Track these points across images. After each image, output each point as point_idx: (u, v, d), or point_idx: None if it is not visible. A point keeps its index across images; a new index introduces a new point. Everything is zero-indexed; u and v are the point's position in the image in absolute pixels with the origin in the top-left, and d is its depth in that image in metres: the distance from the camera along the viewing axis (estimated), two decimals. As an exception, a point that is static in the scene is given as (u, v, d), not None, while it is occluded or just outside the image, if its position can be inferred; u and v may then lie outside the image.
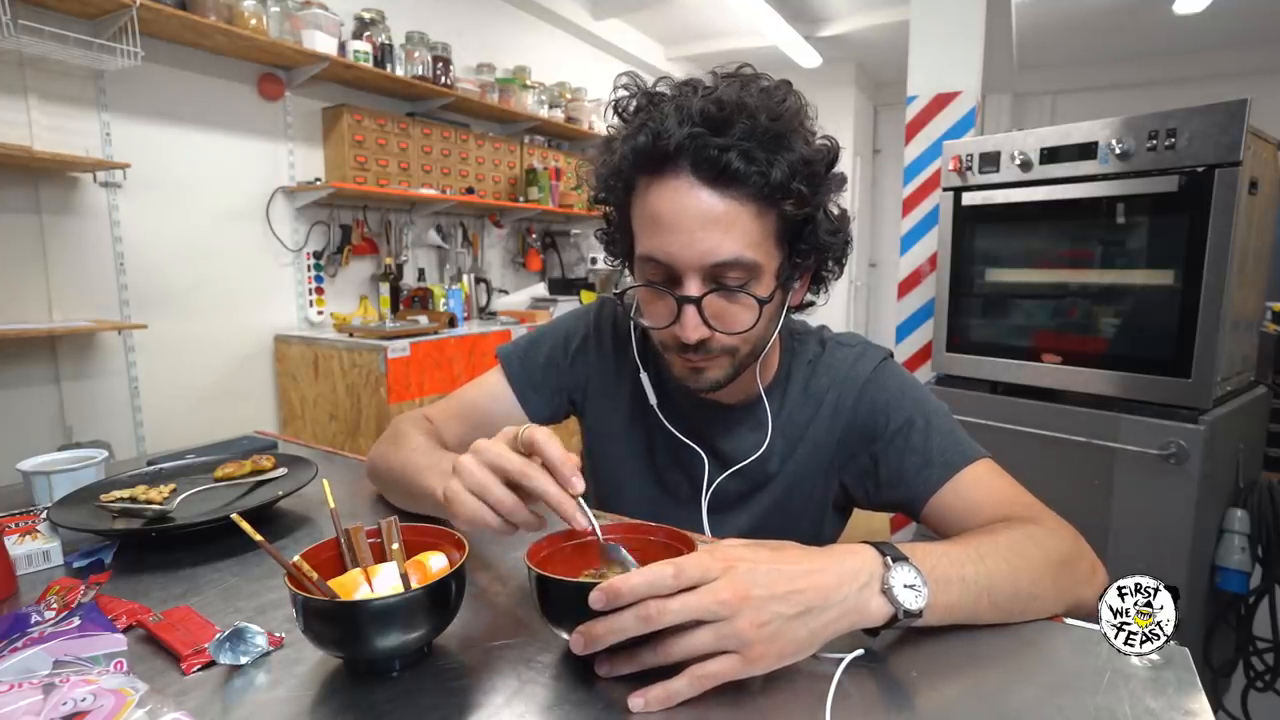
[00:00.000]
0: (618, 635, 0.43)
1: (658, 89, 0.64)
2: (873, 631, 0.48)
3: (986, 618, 0.52)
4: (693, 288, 0.61)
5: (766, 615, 0.43)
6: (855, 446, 0.73)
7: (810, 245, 0.65)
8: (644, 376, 0.76)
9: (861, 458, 0.73)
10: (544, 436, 0.50)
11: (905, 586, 0.47)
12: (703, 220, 0.59)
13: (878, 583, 0.47)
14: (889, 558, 0.48)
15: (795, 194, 0.60)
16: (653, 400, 0.76)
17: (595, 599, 0.43)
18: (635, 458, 0.80)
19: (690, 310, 0.61)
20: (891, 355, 0.77)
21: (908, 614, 0.47)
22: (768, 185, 0.58)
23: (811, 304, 0.74)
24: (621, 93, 0.65)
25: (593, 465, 0.87)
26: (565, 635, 0.48)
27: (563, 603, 0.47)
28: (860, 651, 0.49)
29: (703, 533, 0.75)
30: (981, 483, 0.66)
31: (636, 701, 0.43)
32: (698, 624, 0.43)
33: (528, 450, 0.51)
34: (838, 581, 0.46)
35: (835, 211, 0.66)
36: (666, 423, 0.76)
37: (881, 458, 0.71)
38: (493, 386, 0.83)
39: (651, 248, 0.62)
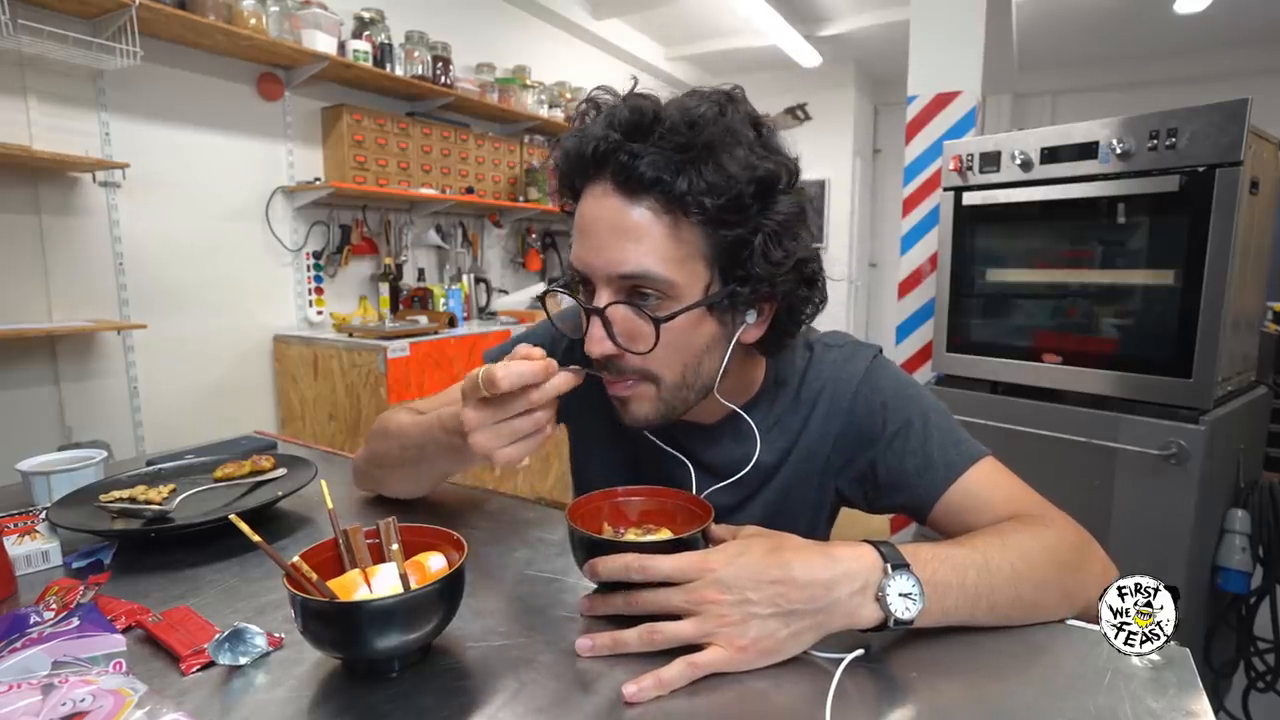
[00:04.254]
0: (608, 610, 0.52)
1: (607, 97, 0.62)
2: (864, 630, 0.49)
3: (984, 622, 0.52)
4: (601, 299, 0.58)
5: (738, 615, 0.47)
6: (852, 450, 0.71)
7: (746, 273, 0.58)
8: None
9: (859, 462, 0.71)
10: (502, 371, 0.52)
11: (900, 595, 0.48)
12: (612, 228, 0.57)
13: (873, 589, 0.48)
14: (889, 564, 0.48)
15: (710, 210, 0.55)
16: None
17: (586, 573, 0.53)
18: (622, 469, 0.78)
19: (594, 322, 0.59)
20: (881, 351, 0.74)
21: (899, 622, 0.48)
22: (674, 195, 0.55)
23: (785, 339, 0.67)
24: (584, 105, 0.63)
25: (578, 478, 0.85)
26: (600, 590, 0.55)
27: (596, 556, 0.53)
28: (860, 651, 0.49)
29: None
30: (987, 482, 0.65)
31: (630, 689, 0.45)
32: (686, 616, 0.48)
33: (493, 389, 0.52)
34: (830, 583, 0.48)
35: (789, 243, 0.59)
36: (648, 433, 0.73)
37: (880, 461, 0.69)
38: None
39: (572, 255, 0.61)
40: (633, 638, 0.48)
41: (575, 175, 0.61)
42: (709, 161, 0.55)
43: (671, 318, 0.58)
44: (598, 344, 0.59)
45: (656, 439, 0.74)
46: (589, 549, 0.53)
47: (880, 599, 0.48)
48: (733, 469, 0.71)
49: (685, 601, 0.48)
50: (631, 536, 0.57)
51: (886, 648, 0.51)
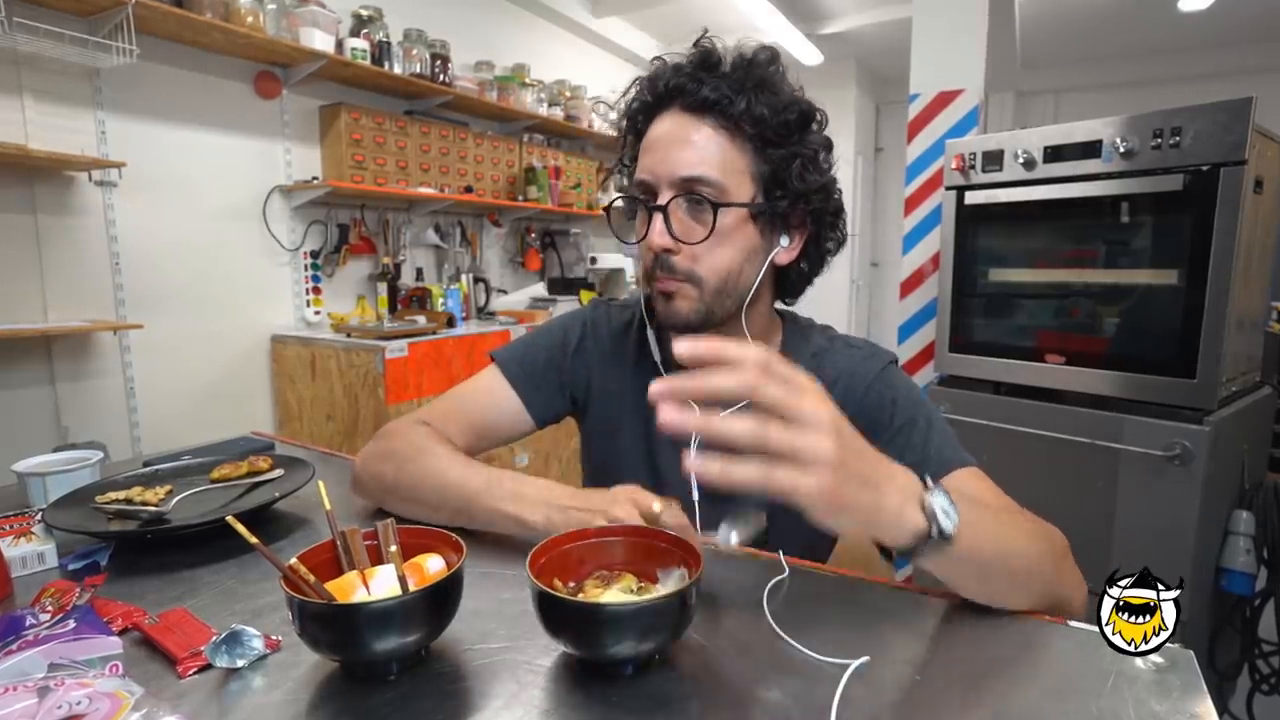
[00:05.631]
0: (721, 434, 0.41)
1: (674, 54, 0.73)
2: (889, 554, 0.53)
3: (995, 576, 0.53)
4: (663, 199, 0.68)
5: (850, 453, 0.43)
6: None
7: (787, 191, 0.69)
8: (650, 333, 0.81)
9: None
10: (674, 522, 0.59)
11: (942, 510, 0.48)
12: (679, 140, 0.68)
13: (917, 499, 0.48)
14: (928, 479, 0.50)
15: (762, 125, 0.67)
16: (657, 357, 0.80)
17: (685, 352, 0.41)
18: (635, 448, 0.81)
19: (658, 218, 0.68)
20: (896, 360, 0.79)
21: (941, 534, 0.47)
22: (734, 112, 0.66)
23: (809, 278, 0.77)
24: (654, 60, 0.73)
25: (593, 462, 0.87)
26: (565, 648, 0.49)
27: (562, 619, 0.47)
28: (865, 659, 0.48)
29: (694, 507, 0.74)
30: (971, 484, 0.67)
31: (696, 463, 0.40)
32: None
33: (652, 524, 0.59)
34: (892, 481, 0.47)
35: (821, 169, 0.71)
36: (674, 367, 0.77)
37: (884, 449, 0.71)
38: (493, 390, 0.82)
39: (639, 169, 0.71)
40: (742, 432, 0.40)
41: (644, 113, 0.72)
42: (763, 90, 0.67)
43: (727, 205, 0.68)
44: (660, 236, 0.68)
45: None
46: (559, 610, 0.47)
47: (925, 508, 0.47)
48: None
49: (799, 439, 0.41)
50: (591, 587, 0.52)
51: (890, 652, 0.50)
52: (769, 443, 0.40)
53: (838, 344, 0.79)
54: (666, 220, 0.68)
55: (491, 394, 0.82)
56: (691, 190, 0.68)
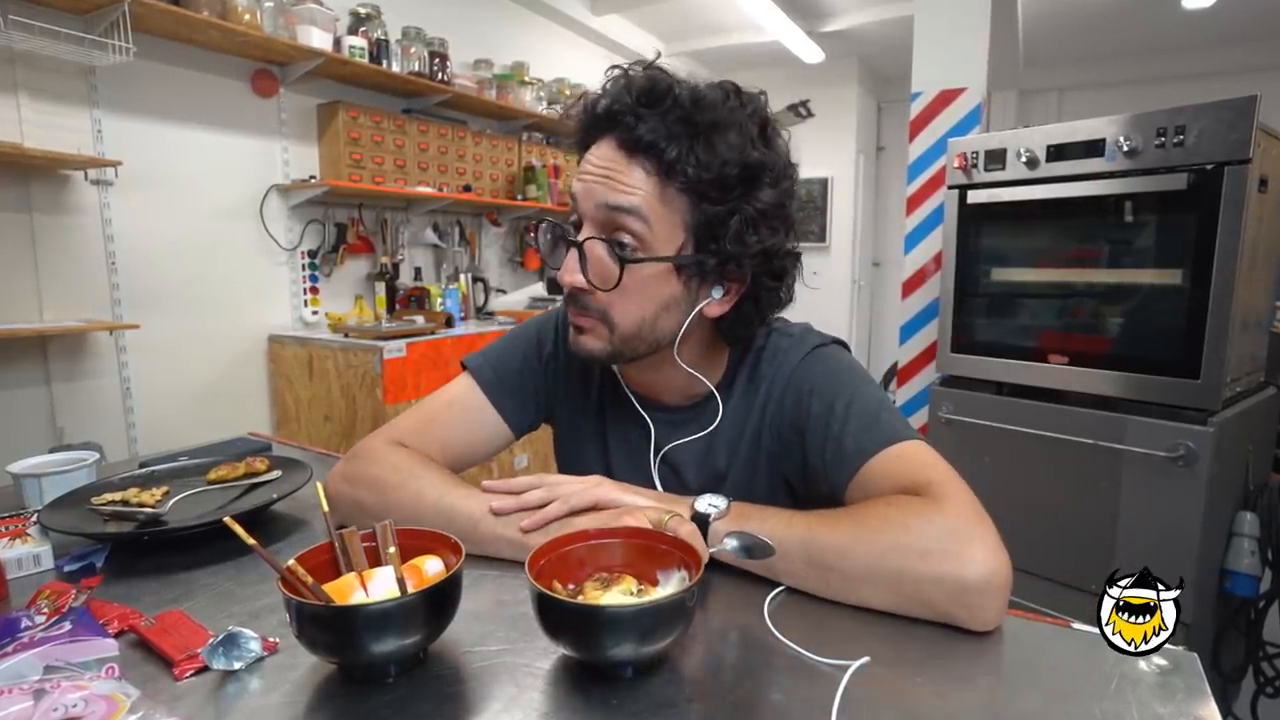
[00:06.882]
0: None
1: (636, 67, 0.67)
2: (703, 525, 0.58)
3: (796, 564, 0.57)
4: (584, 234, 0.65)
5: (608, 482, 0.66)
6: (790, 438, 0.71)
7: (718, 248, 0.63)
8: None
9: (794, 451, 0.70)
10: (687, 532, 0.58)
11: (707, 504, 0.60)
12: (608, 171, 0.63)
13: (687, 504, 0.61)
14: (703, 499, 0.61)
15: (694, 181, 0.61)
16: (596, 370, 0.78)
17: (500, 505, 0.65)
18: (598, 458, 0.80)
19: (571, 253, 0.65)
20: (835, 343, 0.74)
21: (698, 515, 0.59)
22: (664, 161, 0.61)
23: (750, 327, 0.70)
24: (613, 68, 0.68)
25: (561, 466, 0.86)
26: (565, 650, 0.49)
27: (562, 621, 0.47)
28: (866, 659, 0.48)
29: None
30: (892, 467, 0.62)
31: (496, 504, 0.64)
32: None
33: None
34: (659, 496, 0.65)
35: (764, 231, 0.64)
36: (624, 387, 0.76)
37: (809, 448, 0.68)
38: (469, 401, 0.79)
39: (574, 182, 0.67)
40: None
41: (588, 129, 0.67)
42: (703, 139, 0.61)
43: (638, 261, 0.63)
44: (570, 273, 0.65)
45: (626, 413, 0.77)
46: (563, 613, 0.47)
47: (692, 506, 0.60)
48: (694, 458, 0.74)
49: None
50: (591, 589, 0.52)
51: (890, 652, 0.50)
52: (555, 493, 0.64)
53: (774, 337, 0.75)
54: (583, 257, 0.64)
55: (466, 406, 0.78)
56: (612, 232, 0.63)
